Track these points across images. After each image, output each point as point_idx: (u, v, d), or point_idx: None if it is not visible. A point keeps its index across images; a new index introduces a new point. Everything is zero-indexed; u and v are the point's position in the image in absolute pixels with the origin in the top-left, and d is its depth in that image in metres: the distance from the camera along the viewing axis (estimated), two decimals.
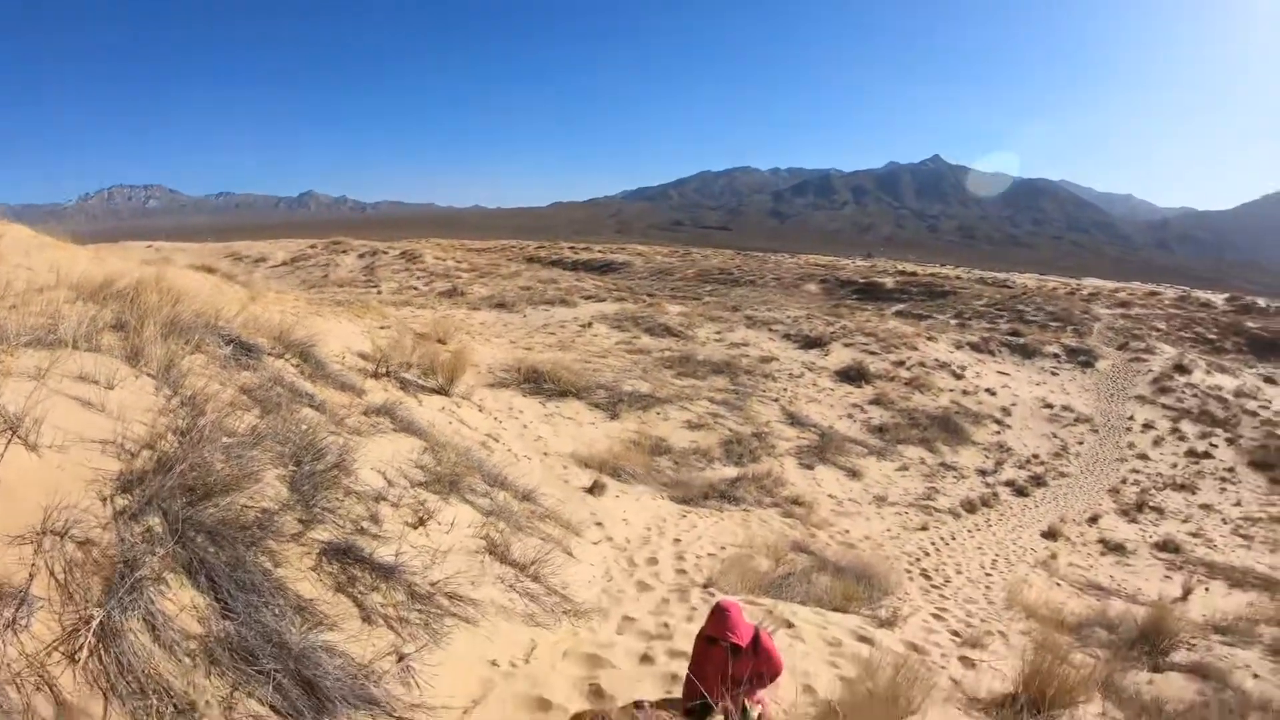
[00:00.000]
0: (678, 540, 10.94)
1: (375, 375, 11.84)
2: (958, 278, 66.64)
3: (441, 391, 13.36)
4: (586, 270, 63.98)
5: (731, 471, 16.68)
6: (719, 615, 4.70)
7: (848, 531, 15.39)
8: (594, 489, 11.87)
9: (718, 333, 31.41)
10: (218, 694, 3.54)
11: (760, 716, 5.04)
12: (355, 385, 10.12)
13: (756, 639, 4.77)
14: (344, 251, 52.74)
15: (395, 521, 6.36)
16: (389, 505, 6.55)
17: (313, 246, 56.44)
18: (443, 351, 14.85)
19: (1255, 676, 10.13)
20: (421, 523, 6.65)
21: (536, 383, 18.25)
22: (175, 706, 3.32)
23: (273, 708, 3.68)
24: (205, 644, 3.72)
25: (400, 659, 4.61)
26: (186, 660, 3.57)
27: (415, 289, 40.65)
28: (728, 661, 4.59)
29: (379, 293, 38.21)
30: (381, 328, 17.28)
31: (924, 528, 17.03)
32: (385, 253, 51.61)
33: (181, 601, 3.84)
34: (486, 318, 31.31)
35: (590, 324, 30.70)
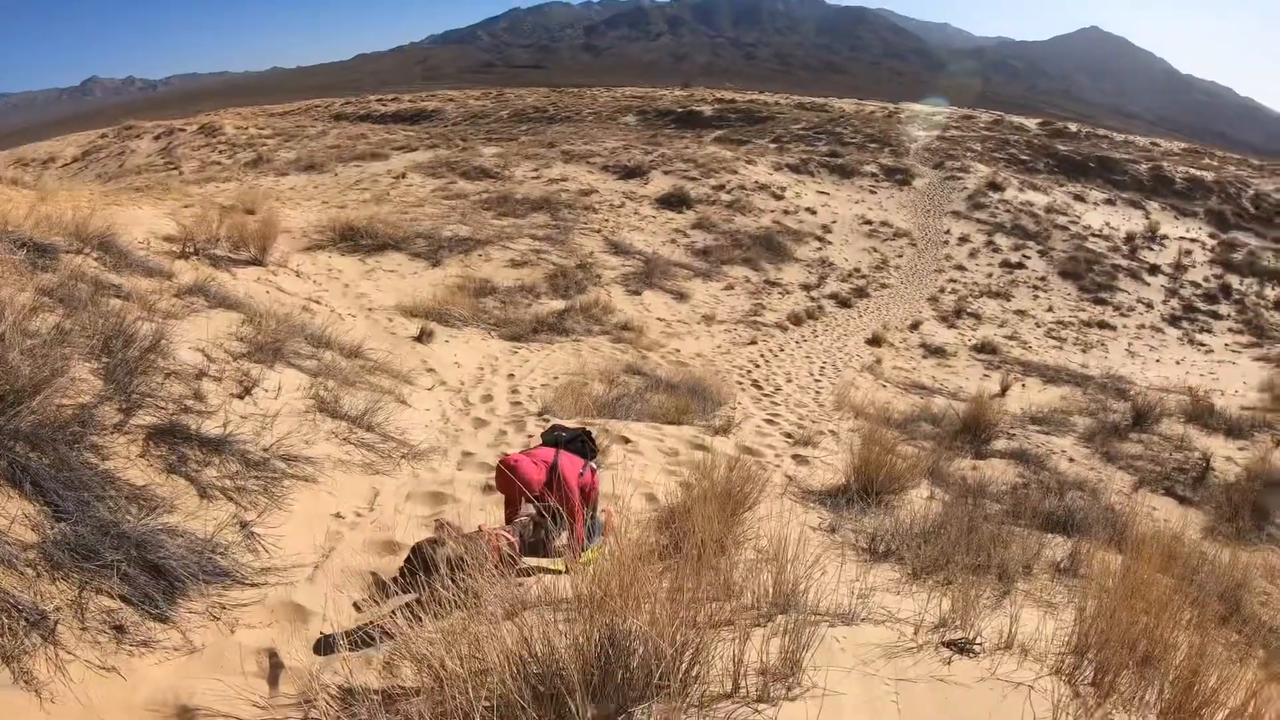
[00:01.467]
0: (511, 375, 11.04)
1: (183, 256, 11.33)
2: (776, 103, 66.88)
3: (255, 262, 12.91)
4: (397, 121, 62.12)
5: (559, 304, 16.75)
6: (502, 478, 4.72)
7: (679, 351, 15.81)
8: (422, 337, 11.79)
9: (535, 170, 31.02)
10: (66, 597, 3.48)
11: (604, 525, 5.23)
12: (164, 269, 9.68)
13: (553, 472, 4.83)
14: (138, 136, 49.54)
15: (220, 395, 6.22)
16: (211, 380, 6.39)
17: (103, 136, 52.79)
18: (251, 222, 14.24)
19: (1070, 460, 11.01)
20: (247, 392, 6.52)
21: (353, 240, 17.75)
22: (27, 620, 3.25)
23: (124, 599, 3.64)
24: (43, 550, 3.63)
25: (243, 527, 4.60)
26: (29, 571, 3.50)
27: (219, 164, 38.66)
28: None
29: (180, 173, 36.19)
30: (185, 207, 16.38)
31: (753, 342, 17.63)
32: (182, 130, 48.66)
33: (10, 513, 3.75)
34: (296, 182, 30.12)
35: (404, 175, 29.88)
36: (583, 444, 5.48)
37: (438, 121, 63.07)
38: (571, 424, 7.36)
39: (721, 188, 31.04)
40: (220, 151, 42.14)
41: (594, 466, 5.36)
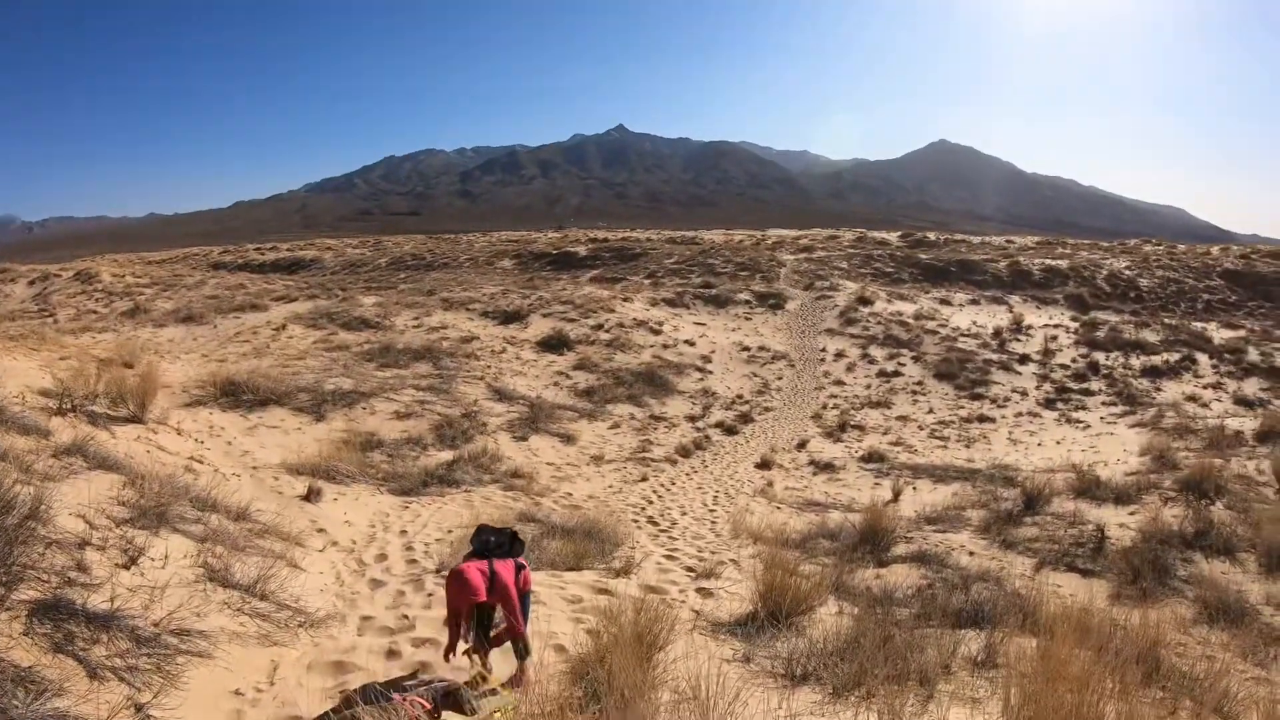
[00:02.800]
0: (404, 532, 10.89)
1: (60, 412, 11.01)
2: (648, 240, 68.56)
3: (135, 420, 12.58)
4: (276, 271, 61.74)
5: (447, 455, 16.64)
6: (456, 583, 5.05)
7: (571, 494, 15.77)
8: (310, 495, 11.58)
9: (416, 319, 31.02)
10: None
11: (519, 679, 5.35)
12: (40, 426, 9.40)
13: (493, 579, 5.23)
14: (12, 280, 48.05)
15: (105, 566, 6.01)
16: (95, 550, 6.18)
17: None
18: (130, 376, 13.96)
19: (970, 554, 11.34)
20: (133, 561, 6.31)
21: (235, 395, 17.44)
22: None
23: None
24: None
25: (138, 710, 4.44)
26: None
27: (95, 312, 37.67)
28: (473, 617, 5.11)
29: (55, 321, 35.17)
30: (62, 359, 15.99)
31: (644, 479, 17.72)
32: (58, 275, 47.43)
33: None
34: (175, 333, 29.56)
35: (285, 326, 29.58)
36: (511, 543, 5.90)
37: (316, 271, 62.87)
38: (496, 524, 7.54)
39: (600, 327, 31.48)
40: (97, 300, 41.07)
41: (524, 563, 5.80)
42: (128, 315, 35.29)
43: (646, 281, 47.94)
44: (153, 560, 6.53)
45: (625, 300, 36.18)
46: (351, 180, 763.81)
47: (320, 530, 10.16)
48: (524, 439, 19.31)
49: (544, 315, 32.32)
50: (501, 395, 22.54)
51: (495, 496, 14.28)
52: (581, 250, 61.27)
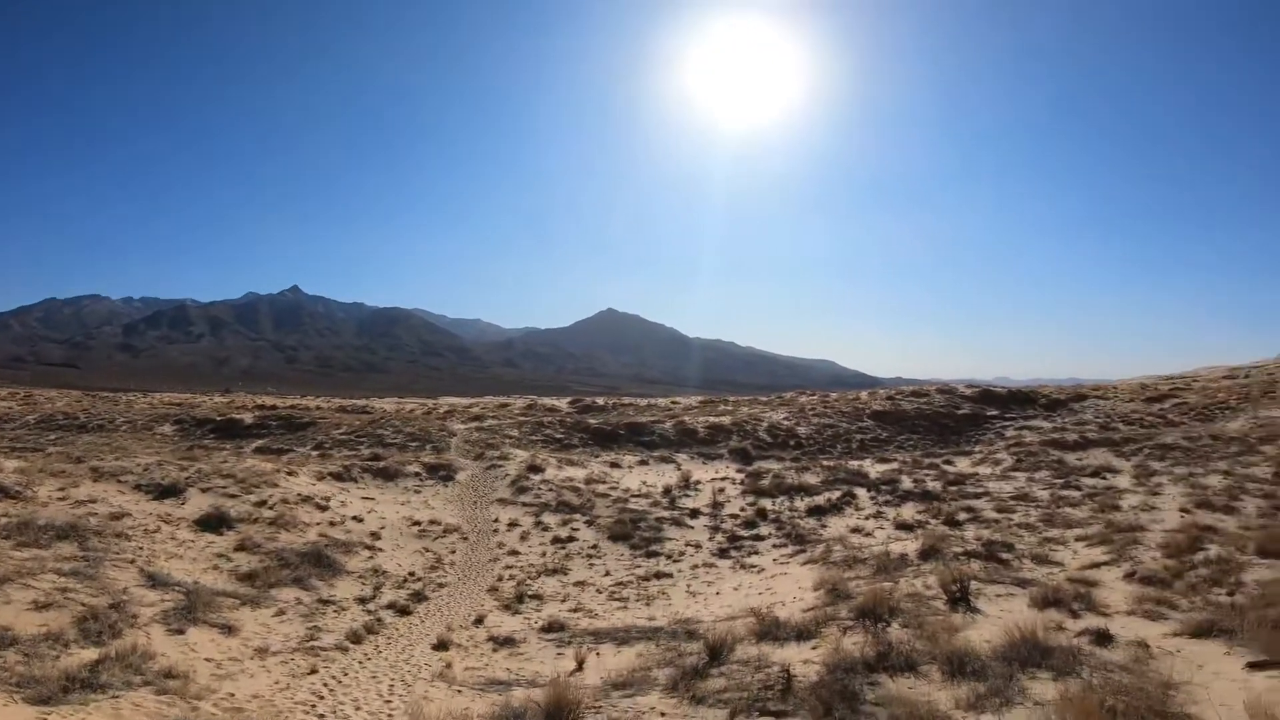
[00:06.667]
0: None
1: None
2: (318, 408, 66.74)
3: None
4: None
5: (92, 654, 15.02)
6: None
7: (234, 695, 14.63)
8: None
9: (62, 490, 28.23)
10: None
11: None
12: None
13: None
14: None
15: None
16: None
17: None
18: None
19: (661, 715, 11.38)
20: None
21: None
22: None
23: None
24: None
25: None
26: None
27: None
28: None
29: None
30: None
31: (314, 670, 16.67)
32: None
33: None
34: None
35: None
36: None
37: None
38: None
39: (263, 503, 29.92)
40: None
41: None
42: None
43: (314, 453, 46.40)
44: None
45: (290, 474, 34.83)
46: (6, 320, 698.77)
47: None
48: (180, 631, 17.76)
49: (203, 490, 30.42)
50: (155, 581, 20.77)
51: (147, 702, 13.01)
52: (248, 418, 58.49)
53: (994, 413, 58.93)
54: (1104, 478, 34.98)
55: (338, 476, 36.25)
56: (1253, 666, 10.79)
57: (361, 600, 22.71)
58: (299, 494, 31.75)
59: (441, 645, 18.88)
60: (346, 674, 16.55)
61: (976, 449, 47.18)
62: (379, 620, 21.14)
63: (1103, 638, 12.88)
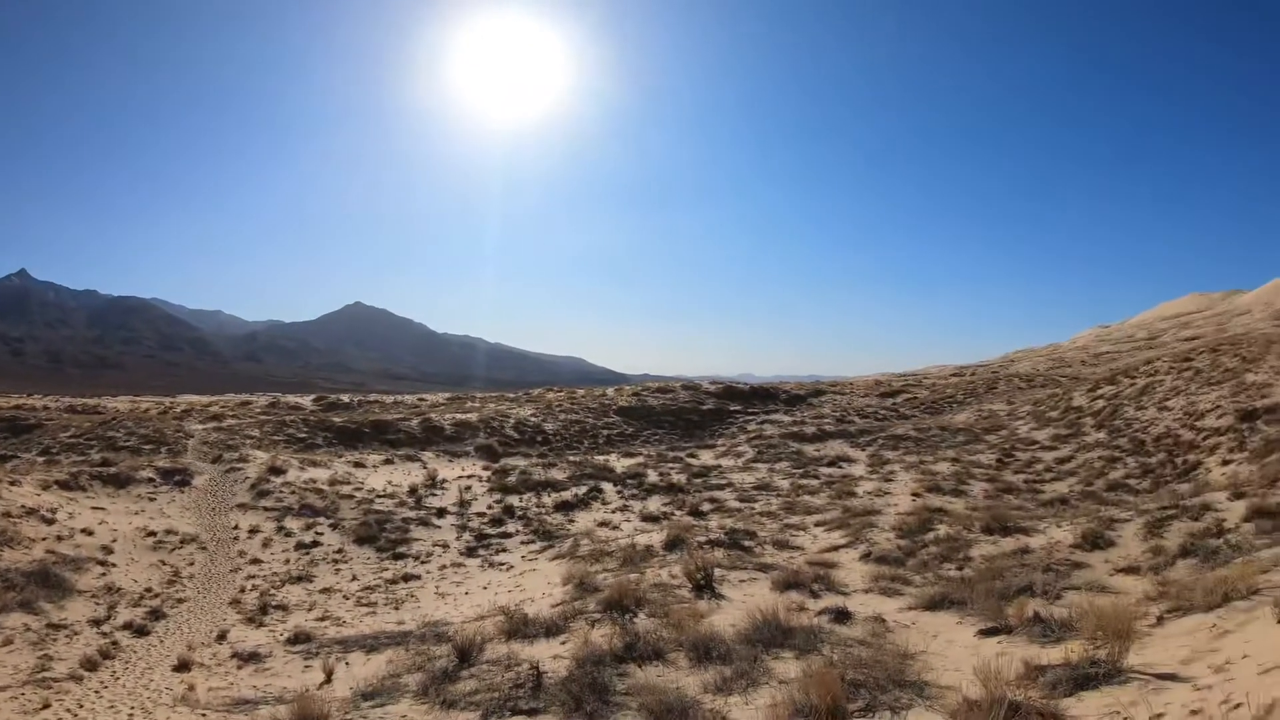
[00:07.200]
0: None
1: None
2: (45, 408, 61.81)
3: None
4: None
5: None
6: None
7: None
8: None
9: None
10: None
11: None
12: None
13: None
14: None
15: None
16: None
17: None
18: None
19: None
20: None
21: None
22: None
23: None
24: None
25: None
26: None
27: None
28: None
29: None
30: None
31: (46, 705, 15.43)
32: None
33: None
34: None
35: None
36: None
37: None
38: None
39: None
40: None
41: None
42: None
43: (40, 459, 43.18)
44: None
45: (13, 484, 32.32)
46: None
47: None
48: None
49: None
50: None
51: None
52: None
53: (737, 408, 61.40)
54: (840, 467, 37.55)
55: (65, 485, 33.82)
56: (983, 634, 11.88)
57: (95, 622, 21.28)
58: (23, 506, 29.38)
59: (183, 666, 17.86)
60: (82, 706, 15.45)
61: (720, 442, 49.68)
62: (115, 643, 19.88)
63: (842, 615, 13.88)
